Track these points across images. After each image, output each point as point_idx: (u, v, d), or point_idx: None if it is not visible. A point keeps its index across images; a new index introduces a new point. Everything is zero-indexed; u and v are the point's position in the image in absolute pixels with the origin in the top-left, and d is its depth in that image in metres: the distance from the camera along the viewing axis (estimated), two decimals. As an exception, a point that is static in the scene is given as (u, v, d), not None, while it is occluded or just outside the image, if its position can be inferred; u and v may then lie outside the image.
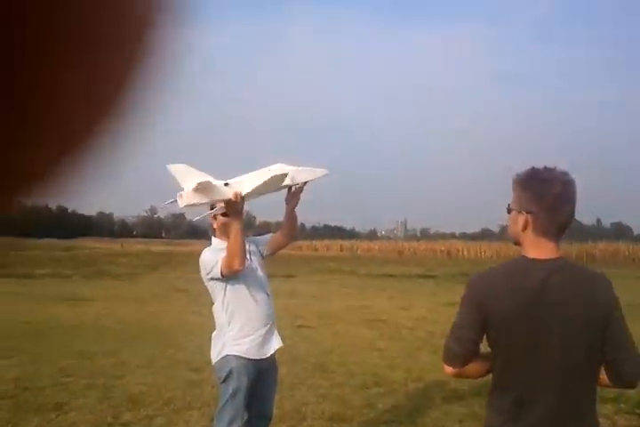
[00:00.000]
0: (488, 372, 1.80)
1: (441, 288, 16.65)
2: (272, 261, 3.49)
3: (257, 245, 3.38)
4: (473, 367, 1.77)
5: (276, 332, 3.26)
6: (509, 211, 1.80)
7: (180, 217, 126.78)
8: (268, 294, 3.28)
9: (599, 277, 1.71)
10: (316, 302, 12.74)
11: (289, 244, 3.51)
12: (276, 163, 3.11)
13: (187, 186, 2.91)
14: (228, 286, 3.15)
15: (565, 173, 1.70)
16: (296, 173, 3.17)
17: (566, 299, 1.64)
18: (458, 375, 1.80)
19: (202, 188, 2.91)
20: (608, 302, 1.67)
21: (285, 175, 3.01)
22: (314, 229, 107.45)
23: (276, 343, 3.23)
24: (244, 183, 3.01)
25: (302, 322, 9.45)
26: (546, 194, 1.67)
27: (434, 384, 5.71)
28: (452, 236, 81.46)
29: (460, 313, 1.76)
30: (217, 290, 3.18)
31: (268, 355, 3.20)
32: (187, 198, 2.92)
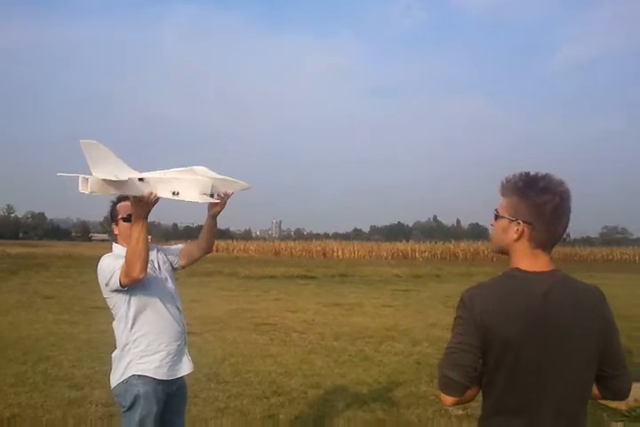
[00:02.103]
0: (477, 393, 1.70)
1: (322, 289, 16.85)
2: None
3: (166, 255, 3.07)
4: (471, 393, 1.67)
5: (187, 352, 2.97)
6: (497, 217, 1.70)
7: (39, 216, 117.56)
8: (178, 309, 2.99)
9: (595, 292, 1.68)
10: (198, 306, 12.26)
11: (203, 257, 3.22)
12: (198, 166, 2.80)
13: (96, 172, 2.48)
14: (132, 298, 2.80)
15: (562, 183, 1.61)
16: (219, 183, 2.88)
17: (567, 317, 1.59)
18: (457, 404, 1.68)
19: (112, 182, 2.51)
20: (604, 317, 1.65)
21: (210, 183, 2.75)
22: (187, 229, 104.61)
23: (187, 366, 2.94)
24: (162, 181, 2.65)
25: (187, 329, 9.01)
26: (545, 205, 1.58)
27: (333, 390, 5.66)
28: (326, 236, 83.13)
29: (457, 336, 1.62)
30: (119, 303, 2.82)
31: (179, 376, 2.91)
32: (91, 186, 2.49)
